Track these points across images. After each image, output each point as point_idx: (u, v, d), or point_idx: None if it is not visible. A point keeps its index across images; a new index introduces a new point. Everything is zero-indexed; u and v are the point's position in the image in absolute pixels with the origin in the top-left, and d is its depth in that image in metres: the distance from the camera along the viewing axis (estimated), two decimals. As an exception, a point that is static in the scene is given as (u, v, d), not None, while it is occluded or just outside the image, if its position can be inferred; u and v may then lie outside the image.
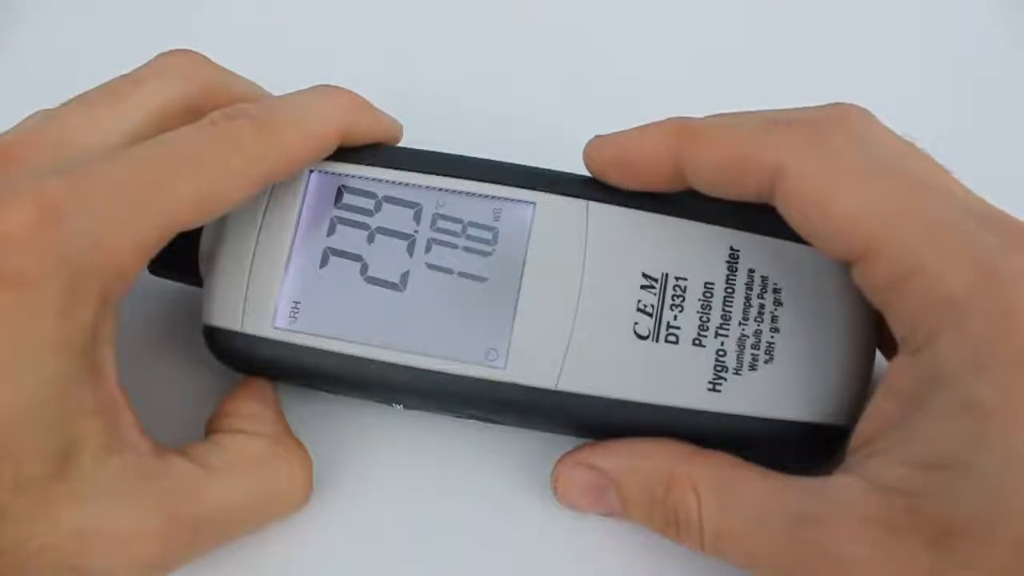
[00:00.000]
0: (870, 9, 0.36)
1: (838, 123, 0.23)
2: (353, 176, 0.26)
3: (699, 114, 0.25)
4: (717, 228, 0.25)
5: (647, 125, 0.25)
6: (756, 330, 0.25)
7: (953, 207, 0.21)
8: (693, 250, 0.25)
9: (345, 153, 0.26)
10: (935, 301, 0.20)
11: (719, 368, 0.24)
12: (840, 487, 0.21)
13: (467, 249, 0.26)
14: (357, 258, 0.26)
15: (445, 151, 0.27)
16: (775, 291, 0.25)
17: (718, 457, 0.24)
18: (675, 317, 0.25)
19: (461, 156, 0.27)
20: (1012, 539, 0.19)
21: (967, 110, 0.34)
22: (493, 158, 0.26)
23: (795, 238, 0.25)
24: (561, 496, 0.26)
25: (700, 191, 0.24)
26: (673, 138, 0.24)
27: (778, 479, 0.23)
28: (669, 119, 0.24)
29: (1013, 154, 0.33)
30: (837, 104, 0.24)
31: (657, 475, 0.24)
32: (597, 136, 0.26)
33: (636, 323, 0.25)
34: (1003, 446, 0.19)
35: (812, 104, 0.25)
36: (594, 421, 0.25)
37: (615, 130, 0.26)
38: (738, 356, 0.25)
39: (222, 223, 0.26)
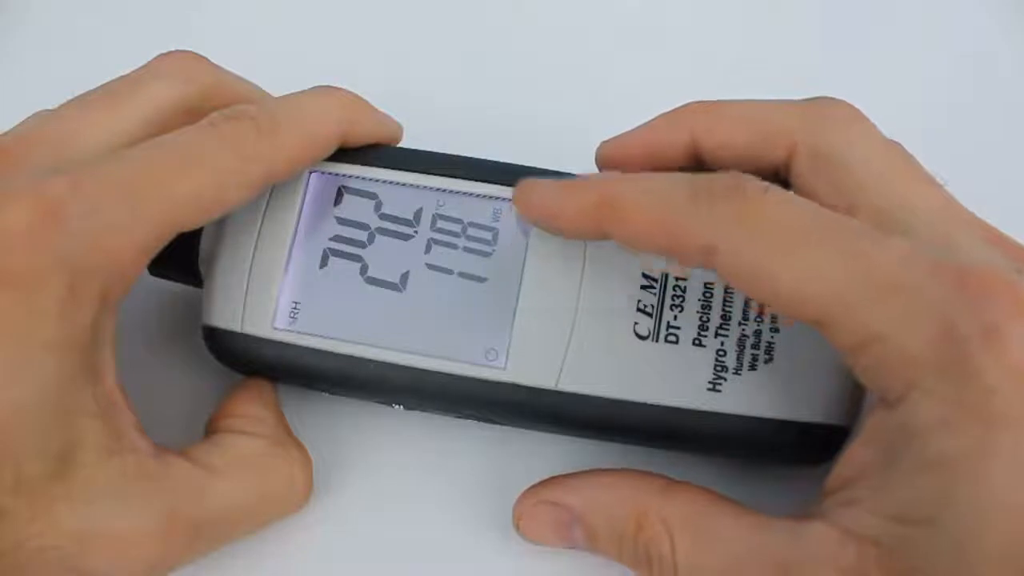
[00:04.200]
0: (870, 7, 0.36)
1: (763, 189, 0.21)
2: (353, 176, 0.26)
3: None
4: (717, 228, 0.25)
5: (573, 184, 0.24)
6: (756, 330, 0.25)
7: (903, 259, 0.20)
8: (693, 250, 0.25)
9: (345, 153, 0.26)
10: (898, 364, 0.20)
11: (719, 368, 0.24)
12: (817, 534, 0.21)
13: (467, 249, 0.26)
14: (357, 258, 0.26)
15: (445, 151, 0.27)
16: (775, 291, 0.25)
17: (691, 492, 0.23)
18: (675, 317, 0.25)
19: (461, 156, 0.27)
20: None
21: (967, 109, 0.34)
22: (493, 158, 0.26)
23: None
24: (525, 533, 0.25)
25: None
26: (594, 210, 0.23)
27: (754, 521, 0.22)
28: (592, 183, 0.23)
29: (1012, 152, 0.33)
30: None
31: (626, 512, 0.23)
32: (525, 180, 0.24)
33: (636, 323, 0.25)
34: (969, 504, 0.19)
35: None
36: (594, 421, 0.25)
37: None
38: (738, 356, 0.25)
39: (222, 223, 0.26)
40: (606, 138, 0.26)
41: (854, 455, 0.21)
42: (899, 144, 0.23)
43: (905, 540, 0.19)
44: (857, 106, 0.24)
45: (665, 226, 0.22)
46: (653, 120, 0.25)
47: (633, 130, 0.26)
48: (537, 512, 0.25)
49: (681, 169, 0.25)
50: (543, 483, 0.25)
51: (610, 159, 0.26)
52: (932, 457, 0.19)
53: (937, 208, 0.22)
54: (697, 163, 0.25)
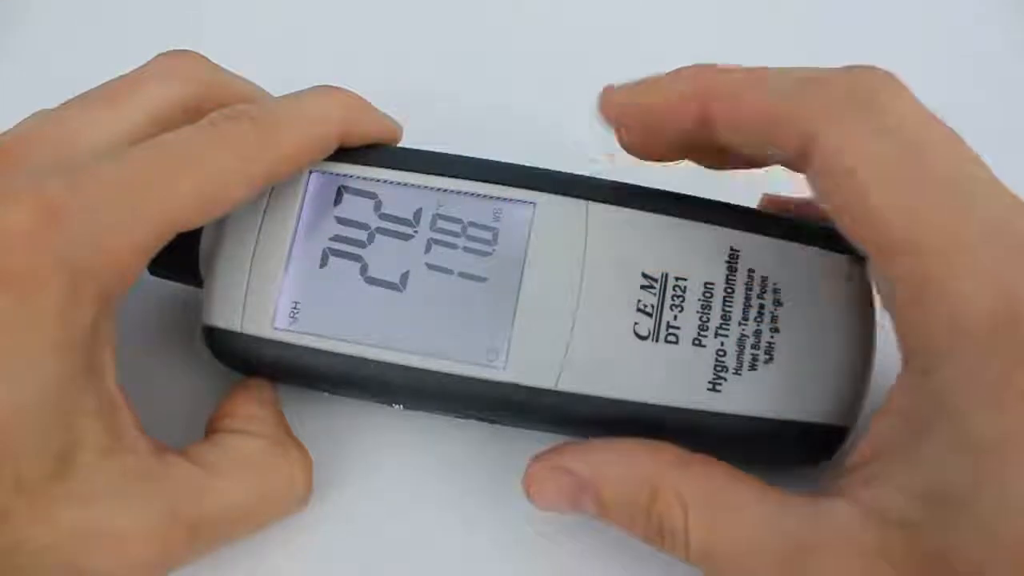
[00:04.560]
0: (871, 7, 0.36)
1: (873, 93, 0.21)
2: (353, 176, 0.26)
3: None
4: (717, 228, 0.25)
5: (664, 77, 0.23)
6: (756, 330, 0.25)
7: (991, 223, 0.19)
8: (693, 250, 0.25)
9: (345, 153, 0.26)
10: (950, 324, 0.19)
11: (719, 368, 0.24)
12: (837, 514, 0.20)
13: (467, 249, 0.26)
14: (357, 258, 0.26)
15: (445, 151, 0.27)
16: (775, 291, 0.25)
17: (707, 466, 0.23)
18: (675, 317, 0.25)
19: (461, 156, 0.27)
20: None
21: (967, 109, 0.34)
22: (493, 158, 0.26)
23: (796, 238, 0.25)
24: (535, 499, 0.25)
25: (727, 148, 0.23)
26: (695, 98, 0.22)
27: (773, 497, 0.22)
28: (691, 71, 0.23)
29: (1013, 152, 0.33)
30: (869, 69, 0.22)
31: (640, 482, 0.23)
32: (608, 86, 0.24)
33: (636, 323, 0.25)
34: (1002, 488, 0.18)
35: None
36: (594, 421, 0.25)
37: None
38: (738, 356, 0.25)
39: (222, 223, 0.26)
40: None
41: (876, 431, 0.21)
42: (944, 123, 0.22)
43: (933, 520, 0.19)
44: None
45: (770, 107, 0.21)
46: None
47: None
48: (548, 477, 0.24)
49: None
50: (556, 449, 0.25)
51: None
52: (969, 436, 0.18)
53: (1003, 203, 0.21)
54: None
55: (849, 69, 0.21)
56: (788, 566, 0.21)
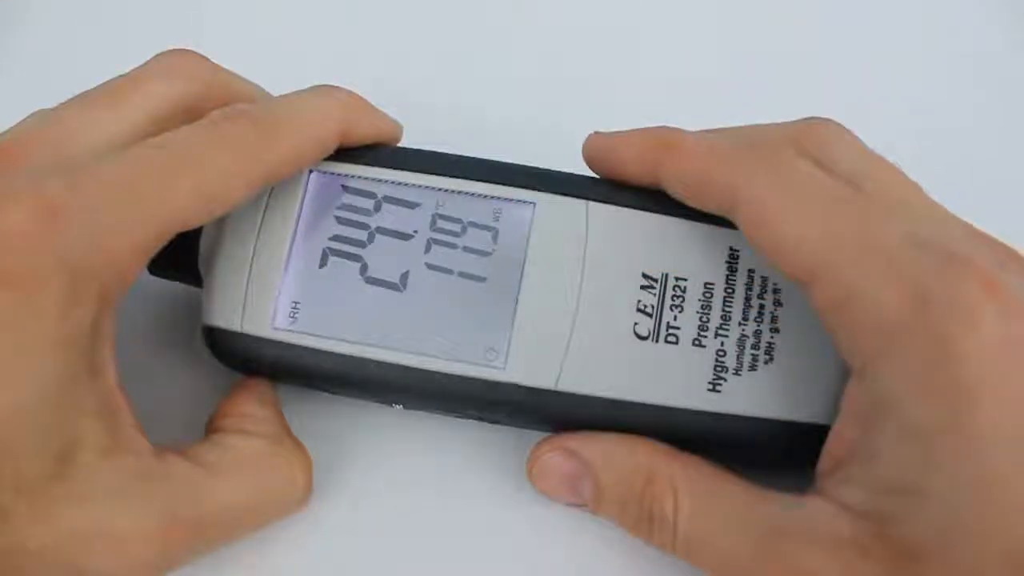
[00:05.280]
0: (871, 7, 0.36)
1: (799, 145, 0.23)
2: (353, 176, 0.26)
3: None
4: (717, 228, 0.25)
5: (630, 135, 0.25)
6: (756, 330, 0.25)
7: (895, 231, 0.21)
8: (693, 250, 0.25)
9: (345, 153, 0.26)
10: (872, 326, 0.20)
11: (719, 368, 0.24)
12: (813, 507, 0.22)
13: (467, 249, 0.26)
14: (357, 258, 0.26)
15: (445, 151, 0.27)
16: (775, 291, 0.25)
17: (699, 462, 0.24)
18: (675, 317, 0.25)
19: (461, 156, 0.27)
20: (968, 565, 0.19)
21: (967, 109, 0.34)
22: (493, 158, 0.26)
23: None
24: (536, 481, 0.26)
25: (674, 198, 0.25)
26: (653, 149, 0.25)
27: (756, 491, 0.23)
28: (658, 127, 0.25)
29: (1012, 152, 0.33)
30: (808, 120, 0.24)
31: (637, 470, 0.24)
32: (595, 132, 0.26)
33: (636, 323, 0.25)
34: (953, 471, 0.19)
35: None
36: (594, 421, 0.25)
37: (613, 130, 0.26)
38: (738, 356, 0.25)
39: (222, 223, 0.26)
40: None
41: (838, 435, 0.22)
42: (882, 158, 0.24)
43: (896, 511, 0.20)
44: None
45: (707, 163, 0.24)
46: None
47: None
48: (551, 459, 0.25)
49: None
50: (559, 434, 0.25)
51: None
52: (910, 426, 0.20)
53: (918, 214, 0.23)
54: None
55: (789, 124, 0.24)
56: (768, 550, 0.22)
